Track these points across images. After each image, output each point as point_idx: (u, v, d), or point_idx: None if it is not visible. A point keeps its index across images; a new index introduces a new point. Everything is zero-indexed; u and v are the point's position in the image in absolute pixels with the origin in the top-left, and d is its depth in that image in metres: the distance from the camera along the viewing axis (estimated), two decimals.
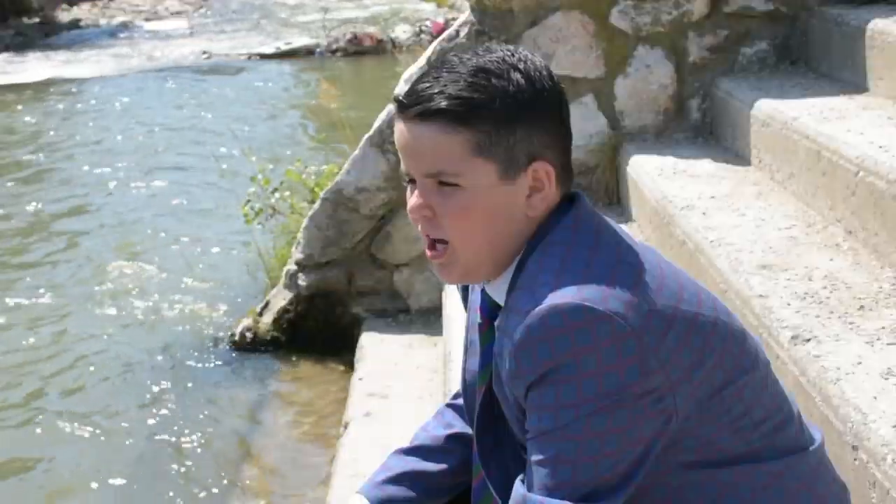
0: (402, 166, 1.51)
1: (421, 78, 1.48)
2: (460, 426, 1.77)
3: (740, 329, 1.51)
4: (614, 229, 1.50)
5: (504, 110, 1.43)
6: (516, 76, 1.44)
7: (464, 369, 1.68)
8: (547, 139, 1.47)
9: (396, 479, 1.72)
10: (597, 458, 1.36)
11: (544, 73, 1.48)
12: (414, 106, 1.45)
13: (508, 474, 1.53)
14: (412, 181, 1.50)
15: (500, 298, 1.52)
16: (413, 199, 1.50)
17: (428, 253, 1.53)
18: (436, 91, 1.44)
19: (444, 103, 1.43)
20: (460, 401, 1.76)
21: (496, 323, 1.51)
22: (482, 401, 1.60)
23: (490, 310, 1.57)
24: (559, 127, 1.49)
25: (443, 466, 1.73)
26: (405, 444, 1.80)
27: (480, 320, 1.59)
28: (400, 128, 1.48)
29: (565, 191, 1.51)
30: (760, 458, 1.47)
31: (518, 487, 1.42)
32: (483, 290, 1.58)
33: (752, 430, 1.47)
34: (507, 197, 1.47)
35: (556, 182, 1.49)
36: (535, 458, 1.39)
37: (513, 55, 1.47)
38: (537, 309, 1.37)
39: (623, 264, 1.42)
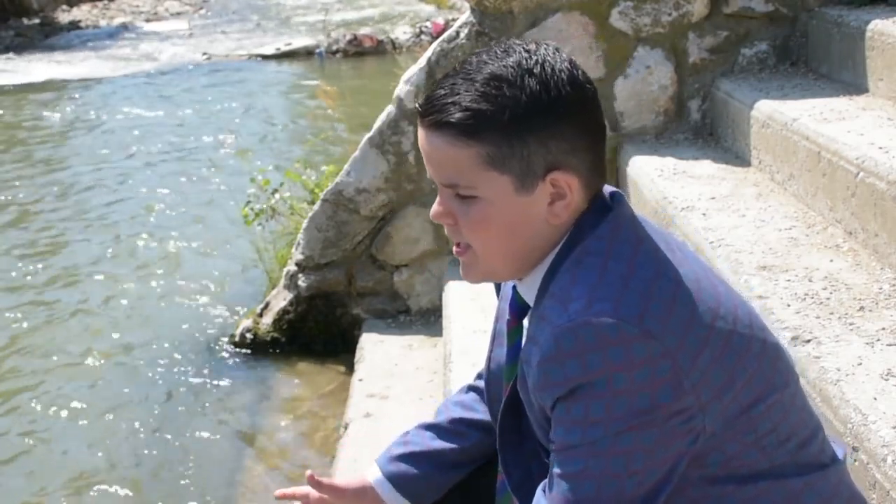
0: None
1: (440, 83, 1.44)
2: (481, 411, 1.79)
3: (774, 345, 1.47)
4: (653, 238, 1.45)
5: (515, 122, 1.38)
6: (531, 82, 1.39)
7: (489, 357, 1.68)
8: (566, 145, 1.41)
9: (410, 456, 1.79)
10: (622, 476, 1.34)
11: (563, 76, 1.41)
12: (428, 115, 1.42)
13: (528, 474, 1.52)
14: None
15: (529, 298, 1.51)
16: (435, 205, 1.48)
17: (454, 249, 1.51)
18: (449, 101, 1.40)
19: (454, 116, 1.39)
20: (481, 382, 1.78)
21: (525, 324, 1.50)
22: (506, 401, 1.59)
23: (519, 307, 1.55)
24: (582, 130, 1.43)
25: (455, 446, 1.79)
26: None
27: (509, 316, 1.58)
28: (420, 132, 1.46)
29: (594, 192, 1.46)
30: (783, 474, 1.45)
31: (539, 497, 1.41)
32: (514, 287, 1.56)
33: (776, 448, 1.44)
34: (527, 207, 1.42)
35: (581, 187, 1.43)
36: (558, 470, 1.37)
37: (531, 57, 1.41)
38: (570, 323, 1.34)
39: (661, 279, 1.38)
